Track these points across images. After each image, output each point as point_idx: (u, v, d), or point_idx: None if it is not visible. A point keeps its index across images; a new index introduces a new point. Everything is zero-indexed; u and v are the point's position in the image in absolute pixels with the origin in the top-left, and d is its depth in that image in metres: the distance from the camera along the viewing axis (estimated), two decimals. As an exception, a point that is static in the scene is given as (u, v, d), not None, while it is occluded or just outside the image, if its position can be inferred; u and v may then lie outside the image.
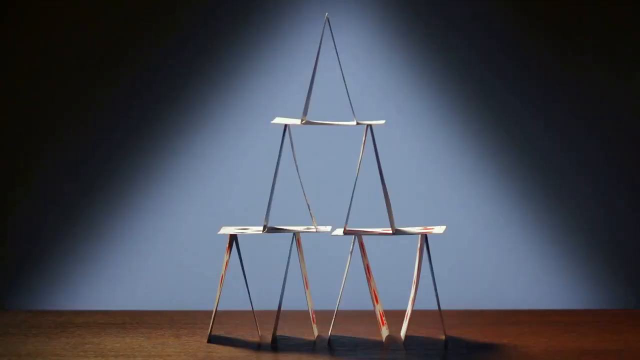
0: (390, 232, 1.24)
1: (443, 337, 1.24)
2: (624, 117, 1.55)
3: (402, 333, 1.24)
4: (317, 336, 1.27)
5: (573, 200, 1.55)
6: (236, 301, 1.52)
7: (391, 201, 1.24)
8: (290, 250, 1.24)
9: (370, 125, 1.23)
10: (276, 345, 1.23)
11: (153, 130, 1.56)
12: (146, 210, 1.55)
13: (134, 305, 1.51)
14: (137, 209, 1.55)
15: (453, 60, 1.55)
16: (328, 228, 1.27)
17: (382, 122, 1.24)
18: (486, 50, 1.55)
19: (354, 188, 1.23)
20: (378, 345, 1.23)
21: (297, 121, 1.26)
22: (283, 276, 1.24)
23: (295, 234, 1.26)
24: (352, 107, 1.24)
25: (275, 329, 1.25)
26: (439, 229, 1.24)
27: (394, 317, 1.31)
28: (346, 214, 1.24)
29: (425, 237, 1.23)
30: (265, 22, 1.56)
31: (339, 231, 1.25)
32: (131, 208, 1.56)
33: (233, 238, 1.25)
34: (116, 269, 1.55)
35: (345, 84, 1.24)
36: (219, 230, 1.27)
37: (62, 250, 1.55)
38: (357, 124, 1.25)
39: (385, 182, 1.22)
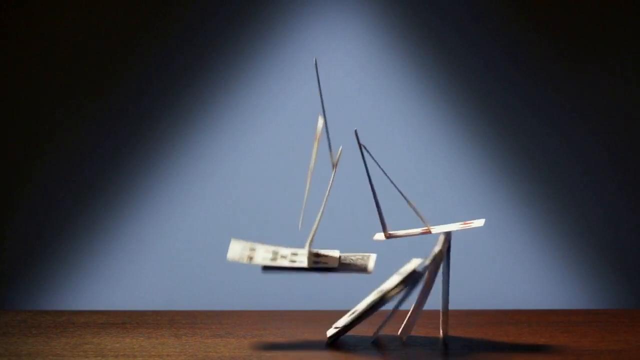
0: (429, 231, 1.22)
1: (441, 335, 1.24)
2: (625, 117, 1.55)
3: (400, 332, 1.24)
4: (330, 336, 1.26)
5: (573, 200, 1.54)
6: (236, 301, 1.53)
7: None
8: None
9: (363, 147, 1.18)
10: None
11: (153, 130, 1.56)
12: (146, 211, 1.55)
13: (134, 305, 1.51)
14: (137, 209, 1.55)
15: (453, 60, 1.55)
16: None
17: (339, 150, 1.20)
18: (486, 49, 1.55)
19: (375, 194, 1.19)
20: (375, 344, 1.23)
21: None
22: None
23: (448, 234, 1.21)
24: (330, 148, 1.20)
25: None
26: (478, 222, 1.21)
27: (397, 317, 1.30)
28: (378, 220, 1.21)
29: (449, 240, 1.20)
30: (265, 22, 1.56)
31: (380, 236, 1.23)
32: (131, 208, 1.55)
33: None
34: (116, 269, 1.55)
35: (326, 124, 1.20)
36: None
37: (62, 250, 1.55)
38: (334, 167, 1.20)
39: (399, 187, 1.20)
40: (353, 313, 1.21)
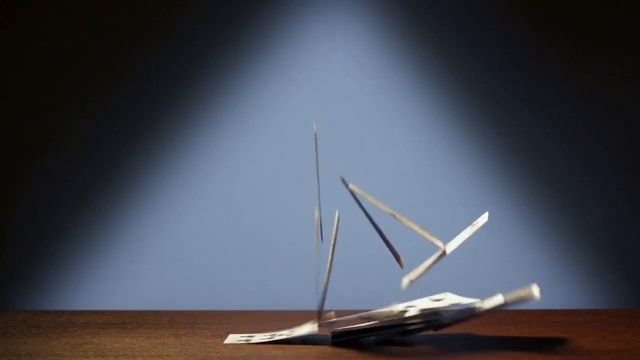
0: (445, 252, 1.20)
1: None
2: (625, 117, 1.55)
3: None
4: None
5: (573, 200, 1.54)
6: (236, 301, 1.53)
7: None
8: None
9: (353, 195, 1.16)
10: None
11: (153, 130, 1.56)
12: (146, 211, 1.55)
13: (134, 305, 1.51)
14: (137, 209, 1.55)
15: (453, 60, 1.55)
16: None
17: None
18: (486, 49, 1.55)
19: (380, 233, 1.17)
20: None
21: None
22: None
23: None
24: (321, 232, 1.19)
25: None
26: (483, 219, 1.20)
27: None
28: (392, 256, 1.18)
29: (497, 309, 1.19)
30: (265, 22, 1.56)
31: (407, 280, 1.17)
32: (131, 208, 1.55)
33: None
34: (116, 269, 1.55)
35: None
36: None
37: (62, 250, 1.55)
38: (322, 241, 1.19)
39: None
40: (374, 319, 1.19)
